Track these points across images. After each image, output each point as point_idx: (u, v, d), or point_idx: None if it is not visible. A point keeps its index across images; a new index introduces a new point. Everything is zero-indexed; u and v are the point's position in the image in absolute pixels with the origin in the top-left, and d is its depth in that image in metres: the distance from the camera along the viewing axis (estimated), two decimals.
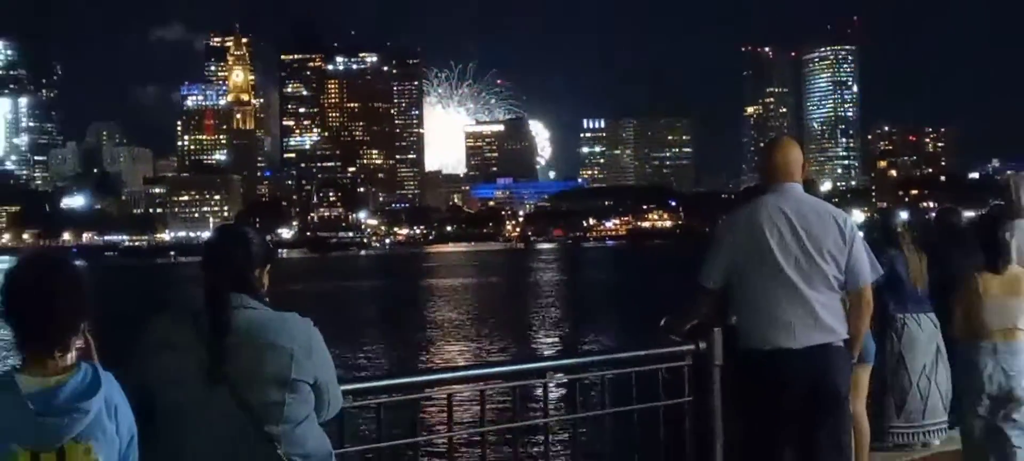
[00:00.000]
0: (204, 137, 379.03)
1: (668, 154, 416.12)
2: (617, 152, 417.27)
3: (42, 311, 3.81)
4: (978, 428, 7.95)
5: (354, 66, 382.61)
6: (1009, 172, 10.16)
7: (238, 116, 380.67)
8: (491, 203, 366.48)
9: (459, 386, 6.14)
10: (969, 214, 13.64)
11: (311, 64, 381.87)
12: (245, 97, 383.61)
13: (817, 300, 6.38)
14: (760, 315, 6.44)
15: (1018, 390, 7.76)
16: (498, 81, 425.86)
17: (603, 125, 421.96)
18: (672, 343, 6.68)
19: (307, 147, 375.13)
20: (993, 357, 7.78)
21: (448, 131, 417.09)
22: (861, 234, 6.67)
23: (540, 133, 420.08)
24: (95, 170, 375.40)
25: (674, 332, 6.73)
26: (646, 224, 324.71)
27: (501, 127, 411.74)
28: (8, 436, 3.66)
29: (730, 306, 6.66)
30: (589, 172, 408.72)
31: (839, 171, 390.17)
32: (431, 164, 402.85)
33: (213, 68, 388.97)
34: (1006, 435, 7.83)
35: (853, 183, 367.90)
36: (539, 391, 6.29)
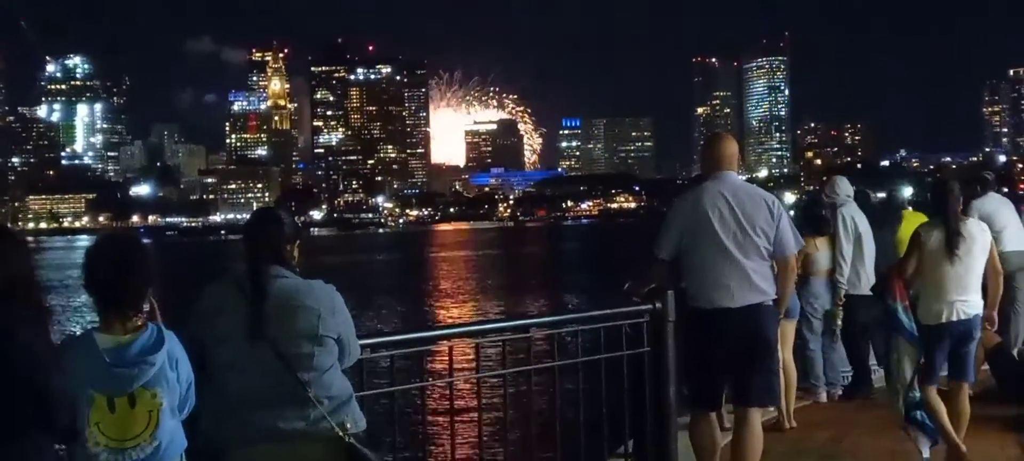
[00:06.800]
0: (248, 136, 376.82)
1: (632, 147, 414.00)
2: (590, 146, 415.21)
3: (117, 281, 3.84)
4: (817, 328, 9.94)
5: (372, 76, 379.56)
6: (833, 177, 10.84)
7: (276, 118, 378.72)
8: (486, 189, 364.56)
9: (458, 340, 6.15)
10: (881, 195, 13.63)
11: (336, 74, 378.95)
12: (282, 102, 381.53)
13: (751, 267, 6.37)
14: (705, 280, 6.43)
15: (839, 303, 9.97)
16: (494, 89, 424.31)
17: (578, 124, 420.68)
18: (634, 303, 6.65)
19: (334, 143, 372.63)
20: (826, 287, 9.91)
21: (450, 129, 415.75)
22: (786, 212, 6.64)
23: (526, 130, 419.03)
24: (158, 164, 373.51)
25: (635, 294, 6.69)
26: (614, 206, 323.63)
27: (494, 126, 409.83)
28: (88, 383, 3.70)
29: (681, 273, 6.67)
30: (567, 163, 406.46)
31: (774, 160, 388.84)
32: (436, 157, 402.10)
33: (255, 78, 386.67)
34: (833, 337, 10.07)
35: (785, 170, 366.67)
36: (524, 343, 6.30)
